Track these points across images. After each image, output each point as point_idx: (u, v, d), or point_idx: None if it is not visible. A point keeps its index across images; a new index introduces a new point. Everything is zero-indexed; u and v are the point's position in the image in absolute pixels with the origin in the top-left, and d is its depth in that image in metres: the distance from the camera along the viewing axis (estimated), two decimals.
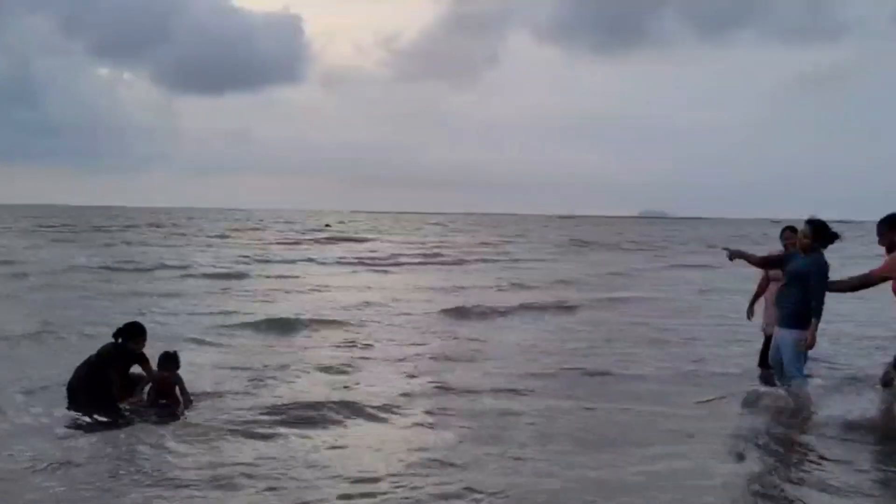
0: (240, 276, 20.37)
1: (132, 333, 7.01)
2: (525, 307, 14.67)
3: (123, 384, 6.89)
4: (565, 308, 14.79)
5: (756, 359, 8.99)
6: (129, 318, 7.78)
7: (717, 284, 19.81)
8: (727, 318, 12.59)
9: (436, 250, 35.06)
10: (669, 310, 14.85)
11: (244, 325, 11.65)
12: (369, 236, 50.33)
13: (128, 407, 6.79)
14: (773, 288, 8.32)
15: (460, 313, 13.63)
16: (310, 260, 27.33)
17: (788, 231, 8.26)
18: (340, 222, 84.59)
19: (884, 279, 6.53)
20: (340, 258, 28.23)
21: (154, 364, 7.08)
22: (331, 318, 12.52)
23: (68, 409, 6.71)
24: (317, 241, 42.51)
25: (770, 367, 7.73)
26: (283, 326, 11.67)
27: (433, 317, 13.30)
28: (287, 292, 16.89)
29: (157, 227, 58.42)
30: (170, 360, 7.11)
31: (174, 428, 6.31)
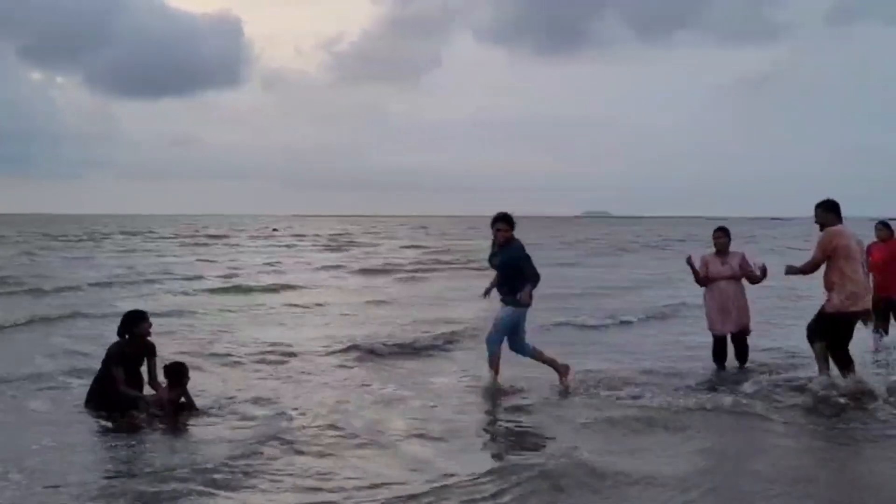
0: (288, 287, 18.51)
1: (130, 323, 6.86)
2: (655, 317, 13.28)
3: (133, 379, 6.74)
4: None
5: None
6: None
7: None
8: None
9: (455, 256, 33.20)
10: None
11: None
12: (362, 240, 48.64)
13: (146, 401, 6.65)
14: (724, 287, 8.63)
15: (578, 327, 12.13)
16: (330, 268, 25.46)
17: (719, 231, 8.91)
18: (289, 226, 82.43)
19: (826, 258, 7.41)
20: (369, 267, 26.08)
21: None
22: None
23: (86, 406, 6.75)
24: (317, 246, 40.60)
25: (723, 363, 8.64)
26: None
27: (559, 331, 11.64)
28: (377, 304, 15.30)
29: (132, 234, 55.71)
30: (177, 375, 6.76)
31: None
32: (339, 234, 60.57)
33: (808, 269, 7.63)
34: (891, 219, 10.96)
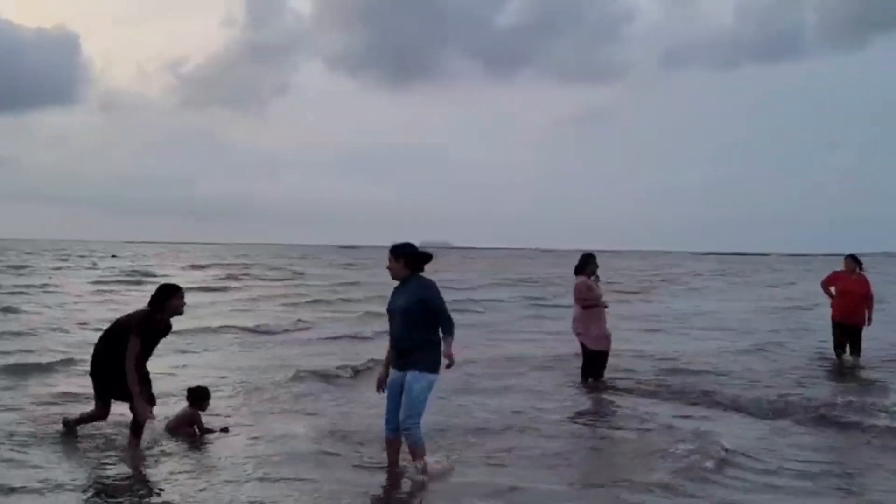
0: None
1: (166, 294, 6.36)
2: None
3: (146, 355, 6.35)
4: None
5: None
6: None
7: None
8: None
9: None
10: None
11: None
12: (292, 270, 46.35)
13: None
14: (601, 312, 9.69)
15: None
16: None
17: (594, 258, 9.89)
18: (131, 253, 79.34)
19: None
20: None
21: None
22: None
23: (90, 375, 6.59)
24: (240, 277, 38.10)
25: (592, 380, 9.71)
26: None
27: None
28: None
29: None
30: (201, 397, 7.12)
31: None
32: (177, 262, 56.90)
33: None
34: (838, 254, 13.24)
